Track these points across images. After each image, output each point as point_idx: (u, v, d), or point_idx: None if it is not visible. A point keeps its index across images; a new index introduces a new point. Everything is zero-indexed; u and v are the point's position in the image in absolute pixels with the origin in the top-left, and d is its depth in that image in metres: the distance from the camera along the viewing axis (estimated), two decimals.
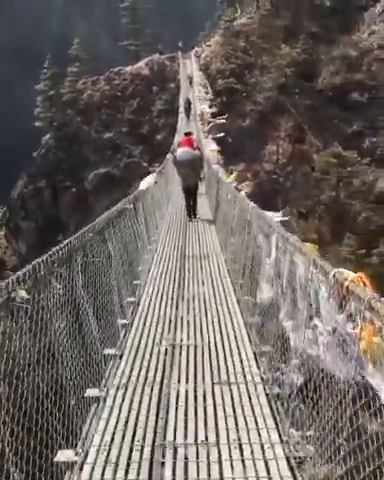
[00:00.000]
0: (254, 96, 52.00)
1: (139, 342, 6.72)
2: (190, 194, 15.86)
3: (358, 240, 40.03)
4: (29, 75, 67.52)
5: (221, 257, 10.67)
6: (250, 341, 6.65)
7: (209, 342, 6.66)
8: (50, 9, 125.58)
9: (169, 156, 23.74)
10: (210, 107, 41.92)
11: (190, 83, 53.55)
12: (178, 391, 5.34)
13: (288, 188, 47.29)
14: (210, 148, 24.47)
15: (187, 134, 16.71)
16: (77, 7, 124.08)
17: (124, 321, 7.19)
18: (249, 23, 57.18)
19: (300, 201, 46.04)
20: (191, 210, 15.99)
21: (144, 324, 7.34)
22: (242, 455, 4.26)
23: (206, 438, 4.50)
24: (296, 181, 47.49)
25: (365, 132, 47.51)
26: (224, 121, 36.19)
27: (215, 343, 6.62)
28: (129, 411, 4.99)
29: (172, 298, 8.44)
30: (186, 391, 5.34)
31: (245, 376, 5.67)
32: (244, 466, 4.12)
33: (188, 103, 45.41)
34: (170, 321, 7.43)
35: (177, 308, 7.93)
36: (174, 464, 4.15)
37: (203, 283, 8.76)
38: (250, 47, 55.58)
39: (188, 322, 7.41)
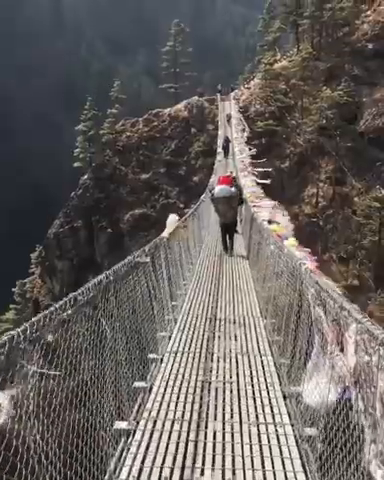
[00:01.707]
0: (294, 138, 51.32)
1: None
2: (227, 231, 16.49)
3: None
4: (72, 117, 68.67)
5: (260, 324, 9.38)
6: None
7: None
8: (94, 53, 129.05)
9: (203, 196, 23.29)
10: (249, 150, 41.20)
11: (228, 121, 53.39)
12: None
13: (328, 232, 45.90)
14: (249, 190, 23.51)
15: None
16: (119, 51, 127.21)
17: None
18: (289, 66, 56.89)
19: (340, 245, 44.64)
20: (227, 246, 16.53)
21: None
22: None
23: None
24: (336, 225, 46.12)
25: None
26: (269, 169, 35.26)
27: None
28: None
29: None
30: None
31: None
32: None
33: (226, 141, 45.39)
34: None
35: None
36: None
37: (237, 359, 7.41)
38: (290, 89, 55.22)
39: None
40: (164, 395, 6.06)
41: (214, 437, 5.09)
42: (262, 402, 5.90)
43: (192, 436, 5.08)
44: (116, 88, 63.78)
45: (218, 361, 7.17)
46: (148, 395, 6.08)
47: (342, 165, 48.85)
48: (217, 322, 9.29)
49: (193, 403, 5.83)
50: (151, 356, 6.97)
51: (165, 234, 9.44)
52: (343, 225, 45.43)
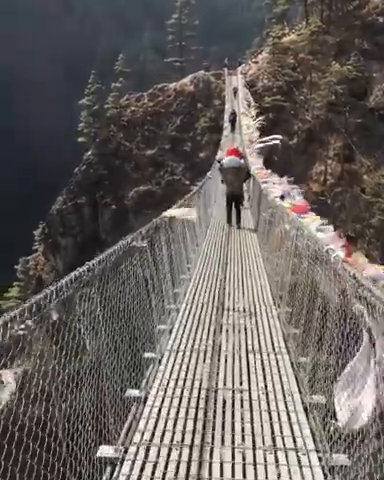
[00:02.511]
0: (302, 114, 50.25)
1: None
2: (233, 201, 16.74)
3: None
4: (76, 91, 67.56)
5: (274, 313, 8.53)
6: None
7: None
8: (97, 26, 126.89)
9: (209, 173, 23.00)
10: (256, 125, 40.19)
11: (235, 94, 52.34)
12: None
13: (336, 210, 45.08)
14: (256, 166, 22.75)
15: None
16: (125, 25, 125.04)
17: None
18: (298, 40, 55.48)
19: (348, 224, 43.89)
20: (232, 218, 16.85)
21: None
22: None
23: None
24: (345, 203, 45.34)
25: None
26: (278, 141, 34.07)
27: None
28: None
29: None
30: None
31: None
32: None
33: (233, 115, 44.67)
34: None
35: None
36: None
37: (248, 357, 6.61)
38: (299, 64, 53.94)
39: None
40: (160, 409, 5.19)
41: (221, 471, 4.22)
42: (279, 417, 5.03)
43: (193, 470, 4.20)
44: (120, 61, 62.49)
45: (226, 361, 6.38)
46: (141, 408, 5.24)
47: (351, 142, 47.87)
48: (225, 312, 8.39)
49: (196, 421, 4.95)
50: (147, 355, 6.18)
51: (167, 214, 8.54)
52: (351, 203, 44.66)
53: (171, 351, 6.67)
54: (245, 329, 7.55)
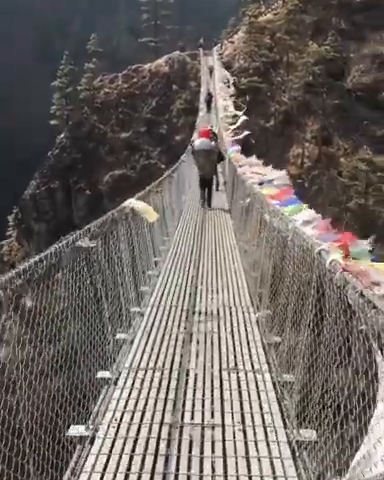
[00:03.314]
0: (279, 95, 49.46)
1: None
2: (206, 182, 16.88)
3: None
4: (48, 73, 65.90)
5: (252, 318, 7.44)
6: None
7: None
8: (71, 5, 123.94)
9: (183, 156, 22.53)
10: (236, 108, 39.34)
11: (210, 74, 51.46)
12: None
13: (313, 193, 44.56)
14: (233, 149, 22.03)
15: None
16: (97, 3, 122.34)
17: None
18: (275, 19, 54.44)
19: (326, 208, 43.42)
20: (206, 199, 16.93)
21: None
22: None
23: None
24: (322, 186, 44.88)
25: None
26: (246, 118, 33.60)
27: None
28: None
29: None
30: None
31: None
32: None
33: (209, 96, 44.22)
34: None
35: None
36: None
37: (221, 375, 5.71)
38: (275, 44, 53.01)
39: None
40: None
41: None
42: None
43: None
44: (93, 41, 60.92)
45: (195, 383, 5.44)
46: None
47: (328, 124, 47.31)
48: (196, 316, 7.31)
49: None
50: (100, 375, 5.41)
51: (127, 204, 7.23)
52: (329, 186, 44.23)
53: (130, 370, 5.67)
54: (219, 339, 6.52)
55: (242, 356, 6.00)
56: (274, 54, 52.32)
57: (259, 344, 6.39)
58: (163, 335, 6.66)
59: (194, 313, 7.44)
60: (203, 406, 4.92)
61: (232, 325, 7.00)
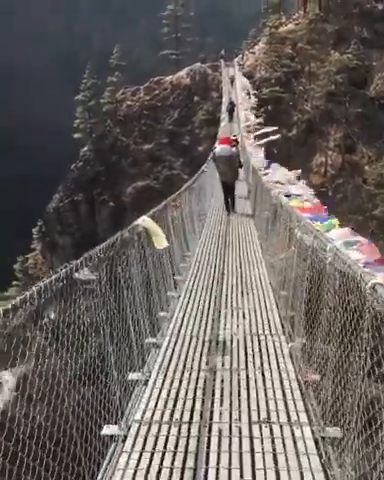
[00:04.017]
0: (301, 105, 49.32)
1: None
2: (228, 188, 17.25)
3: None
4: (72, 87, 66.65)
5: (284, 350, 6.41)
6: None
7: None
8: (92, 20, 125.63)
9: (205, 166, 22.02)
10: (256, 117, 39.29)
11: (232, 83, 51.52)
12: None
13: (337, 202, 44.21)
14: (257, 159, 21.93)
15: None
16: (118, 17, 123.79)
17: None
18: (296, 29, 54.46)
19: (350, 216, 43.05)
20: (229, 204, 17.30)
21: None
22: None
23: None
24: (346, 194, 44.50)
25: None
26: (277, 137, 33.15)
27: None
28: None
29: None
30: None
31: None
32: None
33: (231, 104, 44.20)
34: None
35: None
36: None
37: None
38: (297, 54, 52.96)
39: None
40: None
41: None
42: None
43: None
44: (116, 55, 61.50)
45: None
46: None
47: (351, 132, 46.98)
48: (220, 348, 6.41)
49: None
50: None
51: (141, 222, 6.43)
52: (353, 195, 43.82)
53: (141, 424, 4.74)
54: (247, 385, 5.42)
55: (275, 402, 4.98)
56: (296, 64, 52.26)
57: (295, 385, 5.37)
58: (182, 374, 5.71)
59: (218, 344, 6.54)
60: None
61: (262, 359, 6.01)
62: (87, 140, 55.38)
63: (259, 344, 6.50)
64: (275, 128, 33.10)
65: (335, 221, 5.91)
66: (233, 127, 40.15)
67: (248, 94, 46.25)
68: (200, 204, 17.01)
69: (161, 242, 6.80)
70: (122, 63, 61.54)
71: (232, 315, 7.64)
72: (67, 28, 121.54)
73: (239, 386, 5.34)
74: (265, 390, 5.24)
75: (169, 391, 5.29)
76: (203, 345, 6.53)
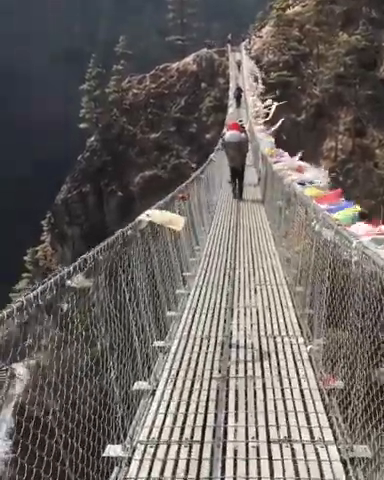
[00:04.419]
0: (310, 88, 48.44)
1: None
2: (237, 174, 17.36)
3: None
4: (76, 76, 65.98)
5: (303, 353, 5.90)
6: None
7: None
8: (97, 8, 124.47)
9: (212, 155, 21.61)
10: (263, 102, 38.55)
11: (239, 68, 50.72)
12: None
13: (349, 187, 43.40)
14: (265, 145, 21.39)
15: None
16: (123, 4, 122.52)
17: None
18: (303, 11, 53.39)
19: (362, 200, 42.19)
20: (237, 190, 17.45)
21: None
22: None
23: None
24: (357, 179, 43.69)
25: None
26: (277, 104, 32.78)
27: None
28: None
29: None
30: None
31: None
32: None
33: (239, 90, 43.63)
34: None
35: None
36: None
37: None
38: (305, 36, 51.97)
39: None
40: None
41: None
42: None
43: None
44: (121, 43, 60.67)
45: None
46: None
47: (361, 115, 46.07)
48: (233, 353, 5.87)
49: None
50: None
51: (144, 217, 5.78)
52: (365, 179, 43.04)
53: (147, 446, 4.26)
54: (264, 395, 4.90)
55: (296, 416, 4.48)
56: (304, 46, 51.30)
57: (317, 396, 4.81)
58: (192, 383, 5.18)
59: (231, 347, 6.03)
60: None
61: (279, 365, 5.46)
62: (94, 130, 54.82)
63: (275, 347, 6.00)
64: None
65: (356, 209, 5.33)
66: (241, 113, 39.48)
67: (256, 80, 45.43)
68: (208, 195, 16.64)
69: (178, 222, 6.36)
70: (128, 51, 60.68)
71: (245, 314, 7.16)
72: (70, 19, 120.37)
73: (255, 397, 4.82)
74: (284, 401, 4.71)
75: (178, 404, 4.81)
76: (215, 348, 6.05)
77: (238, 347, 6.00)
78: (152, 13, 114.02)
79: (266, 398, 4.78)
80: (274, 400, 4.73)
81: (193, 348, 6.09)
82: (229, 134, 17.18)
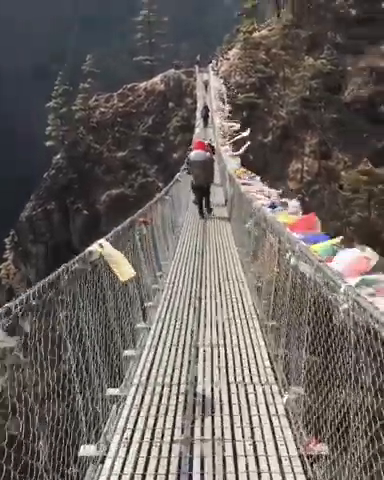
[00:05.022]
0: (276, 110, 48.95)
1: None
2: (203, 193, 17.40)
3: None
4: (43, 94, 65.60)
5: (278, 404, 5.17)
6: None
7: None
8: (64, 25, 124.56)
9: (178, 175, 21.52)
10: (229, 121, 38.84)
11: (206, 88, 51.07)
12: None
13: (314, 208, 43.79)
14: (231, 166, 21.41)
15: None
16: (91, 22, 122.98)
17: None
18: (269, 34, 54.22)
19: (327, 222, 42.65)
20: (205, 207, 17.45)
21: None
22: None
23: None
24: (323, 201, 44.13)
25: None
26: (247, 133, 32.93)
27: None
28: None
29: None
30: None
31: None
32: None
33: (206, 109, 43.60)
34: None
35: None
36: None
37: None
38: (271, 59, 52.65)
39: None
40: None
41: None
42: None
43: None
44: (89, 62, 60.67)
45: None
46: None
47: (327, 138, 46.72)
48: (197, 411, 5.00)
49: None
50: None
51: (95, 247, 5.05)
52: (330, 201, 43.49)
53: None
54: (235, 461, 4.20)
55: None
56: (270, 69, 51.92)
57: (297, 465, 4.13)
58: (149, 448, 4.42)
59: (196, 396, 5.27)
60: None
61: (251, 423, 4.78)
62: (60, 148, 54.40)
63: (246, 398, 5.24)
64: (248, 131, 32.69)
65: (335, 241, 5.00)
66: (208, 132, 39.57)
67: (223, 101, 45.78)
68: (174, 216, 16.09)
69: (125, 273, 5.44)
70: (95, 70, 60.70)
71: (212, 354, 6.45)
72: (38, 36, 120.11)
73: (224, 469, 4.07)
74: (259, 475, 3.99)
75: (132, 477, 4.06)
76: (177, 399, 5.26)
77: (204, 398, 5.22)
78: (120, 33, 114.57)
79: (237, 470, 4.05)
80: (247, 473, 4.03)
81: (152, 400, 5.28)
82: (194, 153, 17.29)
